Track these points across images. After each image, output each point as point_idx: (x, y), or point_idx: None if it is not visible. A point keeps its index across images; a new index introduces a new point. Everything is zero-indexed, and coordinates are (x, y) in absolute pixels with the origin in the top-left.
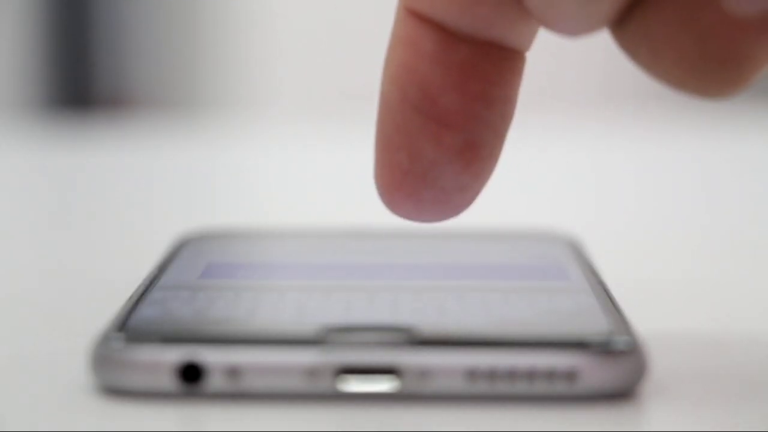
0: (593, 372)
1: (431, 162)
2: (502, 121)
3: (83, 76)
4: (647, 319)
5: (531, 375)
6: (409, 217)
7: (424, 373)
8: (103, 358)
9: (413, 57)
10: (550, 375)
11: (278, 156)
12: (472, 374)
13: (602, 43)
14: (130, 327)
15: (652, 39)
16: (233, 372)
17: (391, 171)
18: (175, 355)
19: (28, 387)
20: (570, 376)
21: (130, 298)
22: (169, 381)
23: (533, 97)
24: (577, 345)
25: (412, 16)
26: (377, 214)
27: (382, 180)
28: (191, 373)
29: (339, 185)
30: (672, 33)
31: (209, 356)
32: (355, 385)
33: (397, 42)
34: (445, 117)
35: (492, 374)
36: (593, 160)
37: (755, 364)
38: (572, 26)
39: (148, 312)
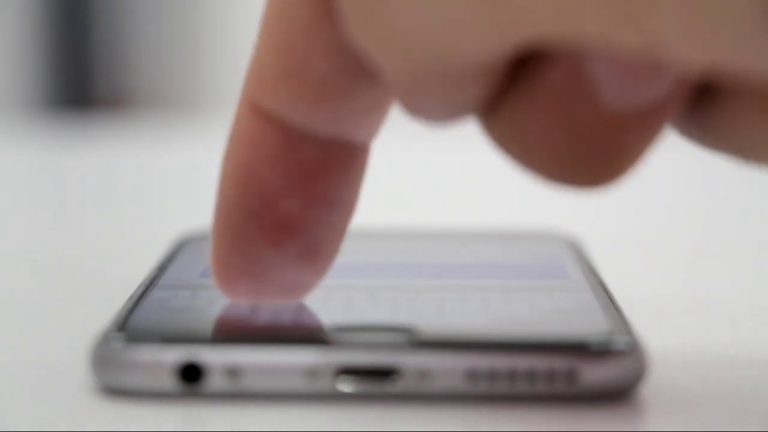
0: (593, 372)
1: (269, 264)
2: (344, 220)
3: (83, 76)
4: (647, 320)
5: (531, 375)
6: (248, 300)
7: (424, 373)
8: (103, 358)
9: (254, 158)
10: (550, 375)
11: None
12: (472, 374)
13: None
14: (130, 327)
15: (522, 133)
16: (233, 372)
17: (227, 269)
18: (175, 355)
19: (28, 387)
20: (570, 376)
21: (130, 298)
22: (169, 381)
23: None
24: (577, 345)
25: (254, 112)
26: (377, 214)
27: (218, 275)
28: (191, 373)
29: None
30: (544, 128)
31: (209, 356)
32: (355, 385)
33: (237, 140)
34: (285, 223)
35: (492, 374)
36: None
37: (755, 364)
38: (433, 115)
39: (148, 312)
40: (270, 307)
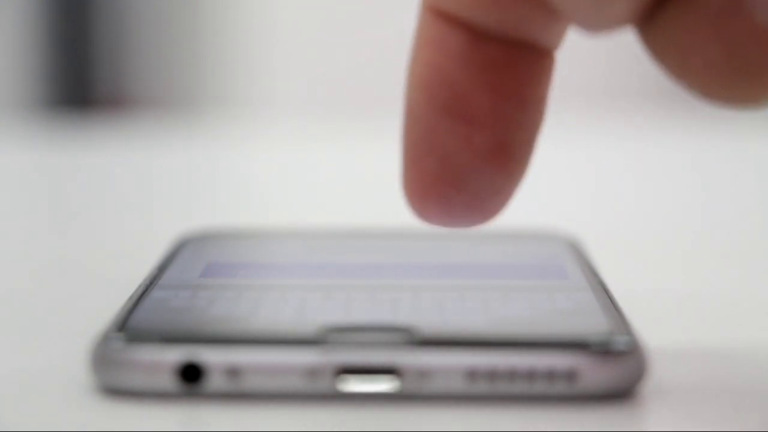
0: (593, 372)
1: (462, 165)
2: (534, 122)
3: (83, 76)
4: (647, 319)
5: (531, 375)
6: (440, 223)
7: (424, 373)
8: (103, 358)
9: (440, 58)
10: (550, 375)
11: (278, 156)
12: (472, 374)
13: (603, 43)
14: (130, 327)
15: (678, 44)
16: (233, 372)
17: (419, 177)
18: (175, 355)
19: (28, 387)
20: (570, 376)
21: (130, 298)
22: (169, 381)
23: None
24: (577, 345)
25: (437, 15)
26: (377, 214)
27: (411, 186)
28: (191, 373)
29: (339, 185)
30: (699, 40)
31: (209, 356)
32: (355, 385)
33: (422, 43)
34: (476, 118)
35: (492, 374)
36: (593, 160)
37: (755, 364)
38: (593, 23)
39: (148, 312)
40: (270, 307)
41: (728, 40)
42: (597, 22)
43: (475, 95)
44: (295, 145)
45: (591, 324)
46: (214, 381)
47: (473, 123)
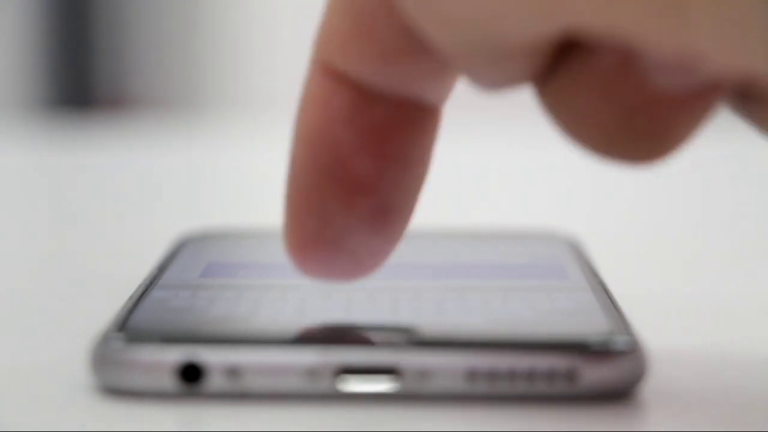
0: (593, 372)
1: (342, 227)
2: (416, 183)
3: (83, 76)
4: (647, 319)
5: (531, 375)
6: (319, 278)
7: (424, 373)
8: (103, 358)
9: (325, 118)
10: (550, 375)
11: (278, 156)
12: (472, 374)
13: None
14: (130, 327)
15: (572, 106)
16: (233, 372)
17: (299, 234)
18: (175, 355)
19: (28, 387)
20: (570, 376)
21: (130, 298)
22: (169, 381)
23: (534, 97)
24: (577, 345)
25: (324, 72)
26: None
27: (291, 242)
28: (191, 373)
29: None
30: (594, 102)
31: (209, 356)
32: (355, 385)
33: (308, 100)
34: (358, 183)
35: (492, 374)
36: (593, 160)
37: (755, 364)
38: (489, 82)
39: (148, 312)
40: (270, 307)
41: (622, 102)
42: (495, 82)
43: (358, 159)
44: None
45: (591, 324)
46: (214, 381)
47: (355, 188)
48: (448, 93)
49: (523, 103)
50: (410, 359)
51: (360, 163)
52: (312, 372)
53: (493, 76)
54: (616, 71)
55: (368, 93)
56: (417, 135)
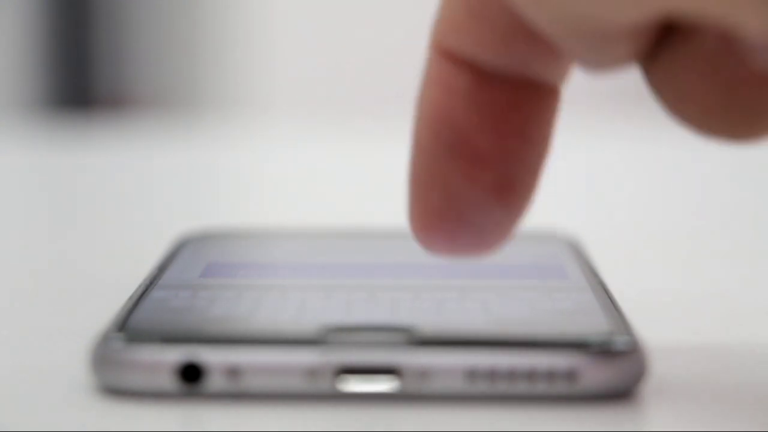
0: (593, 372)
1: (466, 202)
2: (538, 158)
3: (83, 76)
4: (647, 319)
5: (531, 375)
6: (445, 254)
7: (424, 373)
8: (103, 358)
9: (446, 97)
10: (550, 375)
11: (278, 156)
12: (472, 374)
13: None
14: (130, 327)
15: (676, 83)
16: (233, 372)
17: (425, 212)
18: (175, 355)
19: (28, 387)
20: (570, 376)
21: (130, 298)
22: (169, 381)
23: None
24: (577, 345)
25: (444, 55)
26: (377, 214)
27: (417, 220)
28: (191, 373)
29: (339, 185)
30: (696, 80)
31: (209, 356)
32: (355, 385)
33: (429, 82)
34: (480, 157)
35: (492, 374)
36: (593, 160)
37: (756, 363)
38: (597, 63)
39: (148, 312)
40: (270, 307)
41: (723, 81)
42: (600, 63)
43: (480, 135)
44: (295, 144)
45: (591, 324)
46: (214, 381)
47: (478, 162)
48: (565, 73)
49: None
50: (410, 359)
51: (481, 139)
52: (312, 372)
53: (599, 57)
54: (717, 51)
55: (487, 75)
56: (537, 113)
